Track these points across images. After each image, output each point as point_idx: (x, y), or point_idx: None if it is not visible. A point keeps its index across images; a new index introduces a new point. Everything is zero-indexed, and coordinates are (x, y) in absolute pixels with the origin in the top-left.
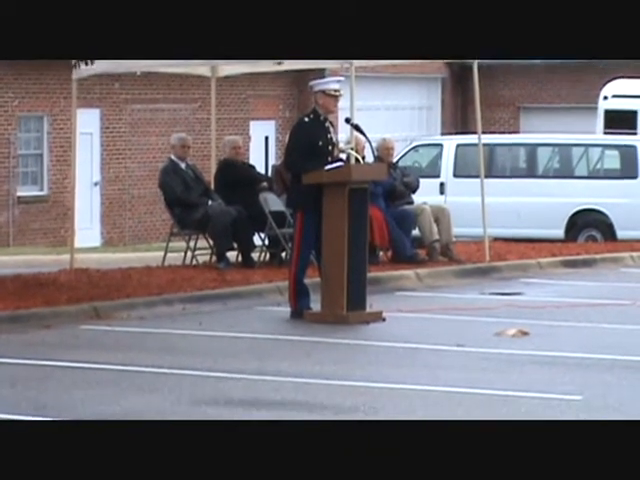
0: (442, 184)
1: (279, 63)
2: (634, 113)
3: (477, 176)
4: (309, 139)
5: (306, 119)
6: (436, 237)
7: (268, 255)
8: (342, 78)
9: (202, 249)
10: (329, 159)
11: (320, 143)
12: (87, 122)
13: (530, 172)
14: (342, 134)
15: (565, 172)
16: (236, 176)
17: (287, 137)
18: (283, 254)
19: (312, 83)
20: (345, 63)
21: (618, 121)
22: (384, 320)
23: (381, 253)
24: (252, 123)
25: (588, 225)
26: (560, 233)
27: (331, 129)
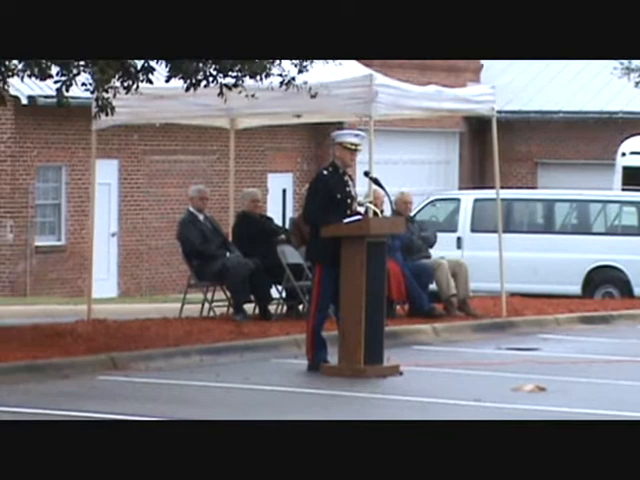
0: (459, 239)
1: (298, 116)
2: None
3: (494, 231)
4: (328, 192)
5: (325, 172)
6: (453, 292)
7: (285, 308)
8: (363, 134)
9: (219, 301)
10: (348, 212)
11: (339, 196)
12: (105, 173)
13: (547, 228)
14: (360, 187)
15: (582, 228)
16: (254, 228)
17: (304, 189)
18: (300, 307)
19: (333, 134)
20: (364, 116)
21: (636, 178)
22: (401, 374)
23: (398, 307)
24: (270, 175)
25: (605, 282)
26: (577, 289)
27: (350, 182)
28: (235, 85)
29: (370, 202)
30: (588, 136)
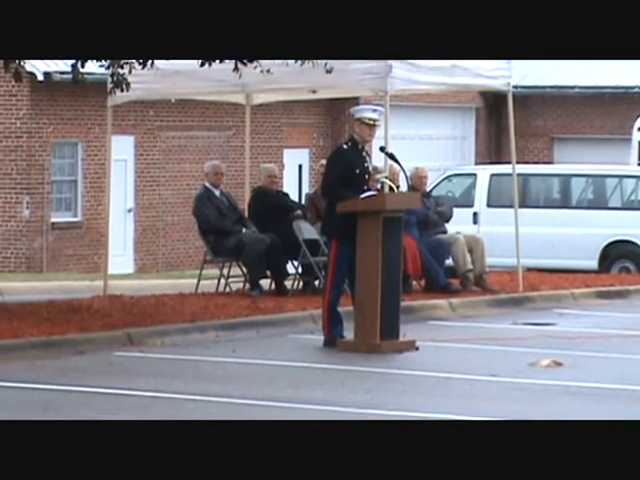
0: (475, 214)
1: (313, 91)
2: None
3: (511, 206)
4: (347, 167)
5: (345, 146)
6: (469, 267)
7: (301, 283)
8: (382, 109)
9: (235, 277)
10: (365, 188)
11: (357, 171)
12: (121, 149)
13: (564, 203)
14: (377, 163)
15: (599, 203)
16: (270, 204)
17: (319, 165)
18: (316, 282)
19: (352, 110)
20: (379, 92)
21: None
22: (417, 349)
23: (414, 282)
24: (286, 151)
25: (621, 256)
26: (593, 264)
27: (368, 158)
28: (250, 60)
29: (386, 177)
30: (604, 111)
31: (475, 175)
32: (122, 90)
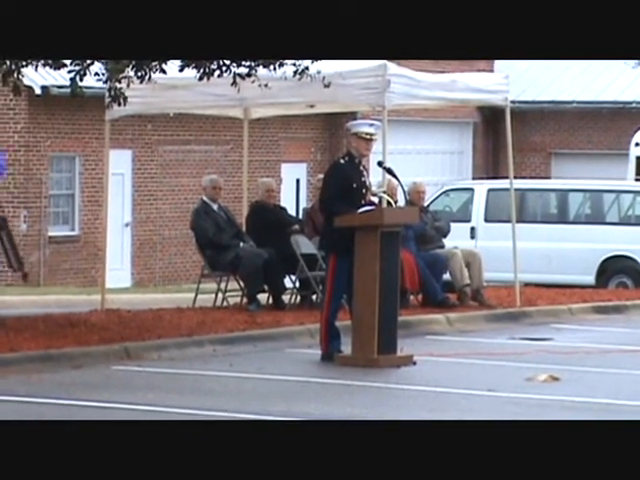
0: (473, 228)
1: (311, 106)
2: None
3: (508, 221)
4: (345, 181)
5: (342, 161)
6: (467, 281)
7: (299, 297)
8: (378, 123)
9: (233, 291)
10: (362, 202)
11: (355, 185)
12: (119, 163)
13: (561, 218)
14: (374, 177)
15: (596, 218)
16: (268, 218)
17: (316, 180)
18: (314, 297)
19: (348, 125)
20: (377, 107)
21: None
22: (415, 364)
23: (412, 297)
24: (283, 165)
25: (619, 271)
26: (591, 279)
27: (365, 172)
28: (248, 75)
29: (384, 192)
30: (602, 126)
31: (472, 190)
32: (120, 104)
